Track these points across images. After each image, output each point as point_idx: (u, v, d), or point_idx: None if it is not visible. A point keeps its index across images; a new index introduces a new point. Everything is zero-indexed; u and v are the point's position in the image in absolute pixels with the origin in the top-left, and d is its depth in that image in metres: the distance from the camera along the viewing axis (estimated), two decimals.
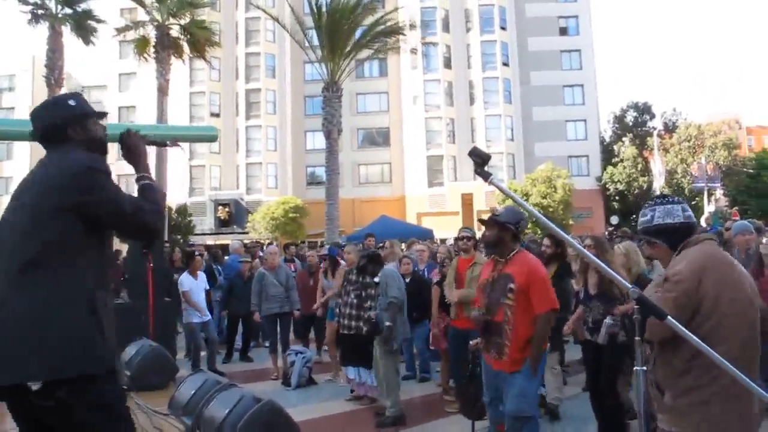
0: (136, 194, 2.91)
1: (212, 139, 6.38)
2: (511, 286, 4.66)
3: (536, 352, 4.60)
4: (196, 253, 11.88)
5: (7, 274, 2.55)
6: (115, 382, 2.69)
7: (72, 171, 2.66)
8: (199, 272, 10.42)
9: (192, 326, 9.98)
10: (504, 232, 4.77)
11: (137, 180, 2.97)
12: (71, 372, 2.46)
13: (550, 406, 7.09)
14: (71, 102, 2.92)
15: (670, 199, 3.06)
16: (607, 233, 23.23)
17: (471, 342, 6.16)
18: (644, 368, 2.17)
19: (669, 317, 2.17)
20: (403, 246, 11.95)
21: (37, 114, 2.92)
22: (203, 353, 10.59)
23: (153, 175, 3.10)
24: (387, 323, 7.27)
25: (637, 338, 2.19)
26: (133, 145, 3.06)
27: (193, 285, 10.10)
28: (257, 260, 13.42)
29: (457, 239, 7.98)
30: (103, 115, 3.10)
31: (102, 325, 2.61)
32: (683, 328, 2.21)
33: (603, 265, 2.54)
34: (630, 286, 2.23)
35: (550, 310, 4.64)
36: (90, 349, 2.54)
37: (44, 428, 2.57)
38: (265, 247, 14.09)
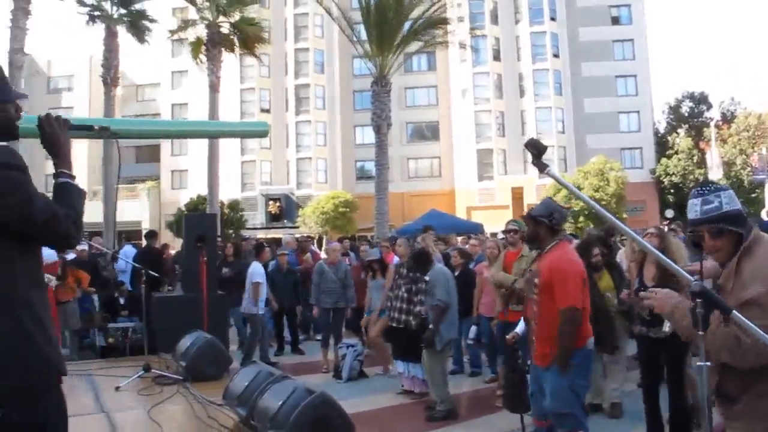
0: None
1: (263, 134, 6.39)
2: (536, 281, 4.63)
3: (560, 349, 4.49)
4: (265, 244, 12.10)
5: None
6: (60, 390, 2.45)
7: None
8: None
9: (258, 317, 10.16)
10: (538, 226, 4.68)
11: (54, 176, 2.60)
12: (14, 383, 2.25)
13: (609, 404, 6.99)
14: None
15: (696, 191, 2.83)
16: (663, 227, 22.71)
17: (508, 336, 6.13)
18: (707, 363, 2.11)
19: (734, 312, 2.10)
20: (459, 239, 11.95)
21: None
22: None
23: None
24: (430, 326, 7.25)
25: (700, 333, 2.12)
26: (51, 133, 2.63)
27: (264, 275, 10.36)
28: (308, 254, 13.56)
29: (504, 232, 7.91)
30: (21, 96, 2.70)
31: (43, 326, 2.37)
32: (756, 327, 2.13)
33: (662, 256, 2.46)
34: (692, 278, 2.16)
35: (570, 306, 4.48)
36: (35, 357, 2.32)
37: None
38: (315, 242, 14.22)
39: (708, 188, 2.82)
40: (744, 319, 2.13)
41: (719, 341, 2.49)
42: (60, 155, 2.63)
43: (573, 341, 4.50)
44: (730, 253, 2.77)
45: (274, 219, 43.12)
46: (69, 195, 2.54)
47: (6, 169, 2.32)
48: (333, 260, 10.23)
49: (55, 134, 2.63)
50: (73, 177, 2.60)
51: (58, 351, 2.45)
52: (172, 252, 15.15)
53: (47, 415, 2.36)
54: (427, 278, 7.57)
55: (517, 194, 42.23)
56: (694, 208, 2.77)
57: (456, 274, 8.82)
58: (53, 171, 2.61)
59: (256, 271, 10.28)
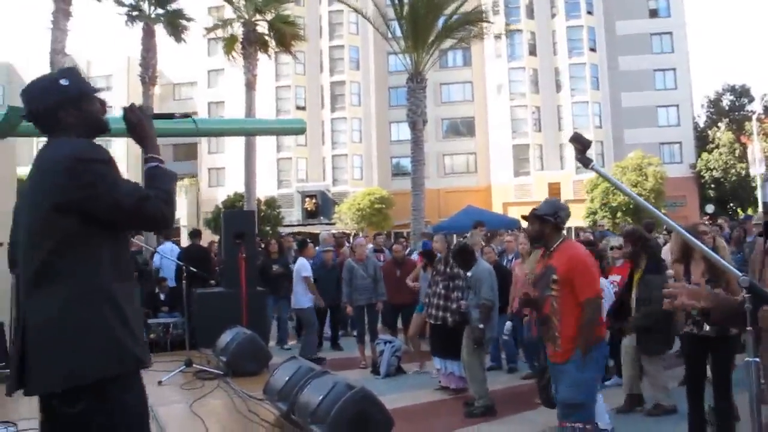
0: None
1: (300, 131, 6.49)
2: (554, 277, 4.62)
3: (583, 339, 4.50)
4: (308, 241, 12.27)
5: (25, 286, 2.45)
6: (139, 382, 2.53)
7: (60, 167, 2.40)
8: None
9: (309, 310, 10.39)
10: (544, 224, 4.71)
11: (144, 162, 2.67)
12: (92, 377, 2.33)
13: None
14: (63, 82, 2.59)
15: None
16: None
17: None
18: (756, 360, 2.08)
19: None
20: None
21: (28, 96, 2.60)
22: (292, 342, 10.87)
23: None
24: (480, 326, 7.22)
25: (748, 328, 2.09)
26: (135, 121, 2.72)
27: (310, 270, 10.54)
28: (345, 248, 13.63)
29: None
30: (99, 90, 2.78)
31: (126, 319, 2.45)
32: None
33: (709, 251, 2.43)
34: (740, 273, 2.13)
35: (594, 296, 4.54)
36: (112, 348, 2.39)
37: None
38: (351, 238, 14.28)
39: None
40: None
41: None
42: (147, 142, 2.71)
43: (594, 331, 4.55)
44: None
45: (310, 216, 43.38)
46: (159, 178, 2.60)
47: (90, 163, 2.42)
48: (361, 256, 10.26)
49: (141, 122, 2.71)
50: (162, 161, 2.67)
51: (141, 343, 2.51)
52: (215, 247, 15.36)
53: (126, 406, 2.43)
54: (469, 274, 7.55)
55: (554, 190, 41.86)
56: None
57: None
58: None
59: (304, 265, 10.44)
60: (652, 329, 6.70)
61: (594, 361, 4.56)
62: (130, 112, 2.72)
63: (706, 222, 13.47)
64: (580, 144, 2.21)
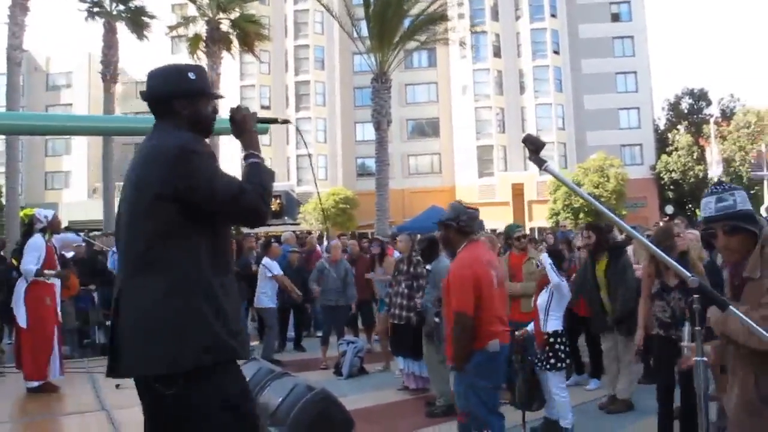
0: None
1: (264, 131, 6.41)
2: (442, 284, 4.77)
3: (452, 350, 4.53)
4: (272, 241, 12.22)
5: (125, 268, 2.55)
6: (238, 372, 2.62)
7: (169, 155, 2.51)
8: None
9: (272, 311, 10.41)
10: (448, 230, 4.74)
11: (244, 158, 2.80)
12: (187, 364, 2.41)
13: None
14: (191, 75, 2.73)
15: (711, 190, 2.88)
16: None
17: (517, 332, 6.19)
18: (704, 359, 2.12)
19: (731, 307, 2.11)
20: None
21: (153, 79, 2.74)
22: (254, 343, 10.77)
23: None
24: (436, 320, 7.23)
25: (697, 328, 2.13)
26: (241, 120, 2.84)
27: (277, 270, 10.51)
28: (318, 248, 13.64)
29: (515, 239, 7.90)
30: (219, 97, 2.96)
31: (222, 312, 2.51)
32: (748, 320, 2.14)
33: (661, 252, 2.46)
34: (689, 274, 2.17)
35: (458, 311, 4.47)
36: (207, 339, 2.45)
37: (168, 420, 2.54)
38: (325, 239, 14.26)
39: (722, 187, 2.87)
40: (739, 312, 2.15)
41: (742, 327, 2.50)
42: (248, 139, 2.82)
43: (463, 344, 4.47)
44: (742, 254, 2.78)
45: (274, 216, 42.95)
46: (257, 173, 2.69)
47: (193, 155, 2.53)
48: (335, 258, 10.26)
49: (245, 120, 2.83)
50: (261, 159, 2.76)
51: (237, 335, 2.56)
52: None
53: (220, 394, 2.49)
54: (428, 268, 7.57)
55: (518, 190, 42.22)
56: (709, 206, 2.81)
57: None
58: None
59: (271, 265, 10.38)
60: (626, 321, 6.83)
61: (476, 368, 4.48)
62: (236, 112, 2.84)
63: (660, 221, 13.71)
64: (534, 145, 2.23)
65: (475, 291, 4.46)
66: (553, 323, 6.21)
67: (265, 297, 10.41)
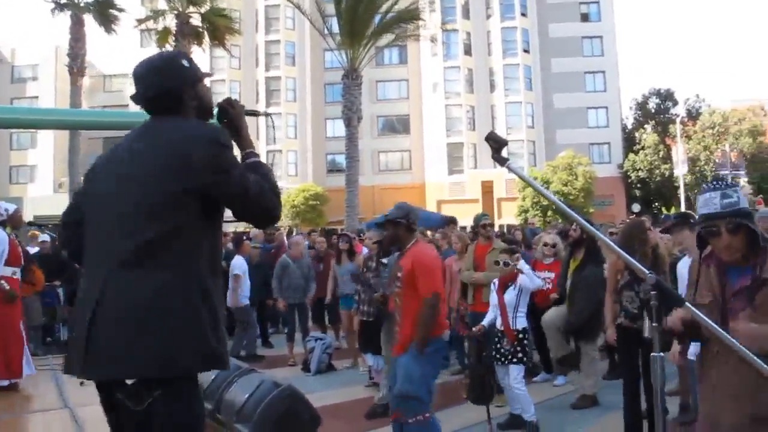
0: None
1: None
2: (399, 275, 4.97)
3: (420, 334, 4.75)
4: (245, 237, 12.09)
5: (114, 258, 2.30)
6: (198, 388, 2.46)
7: (201, 147, 2.36)
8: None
9: (246, 309, 10.31)
10: (397, 227, 5.02)
11: (244, 157, 2.61)
12: (182, 368, 2.25)
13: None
14: (185, 63, 2.60)
15: (712, 185, 2.77)
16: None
17: (474, 327, 6.31)
18: (661, 354, 2.17)
19: (687, 303, 2.16)
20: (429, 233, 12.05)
21: (147, 76, 2.56)
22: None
23: None
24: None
25: (654, 324, 2.18)
26: (237, 116, 2.67)
27: (245, 268, 10.39)
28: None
29: (481, 226, 8.04)
30: (209, 75, 2.79)
31: (216, 316, 2.36)
32: (703, 316, 2.20)
33: (617, 248, 2.49)
34: (647, 271, 2.21)
35: (433, 294, 4.78)
36: (202, 344, 2.29)
37: (132, 425, 2.33)
38: (293, 235, 14.17)
39: (724, 183, 2.79)
40: (696, 311, 2.20)
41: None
42: (243, 136, 2.66)
43: (433, 327, 4.78)
44: (742, 252, 2.71)
45: None
46: (267, 172, 2.56)
47: (225, 149, 2.42)
48: (297, 254, 10.20)
49: (240, 116, 2.67)
50: (258, 155, 2.64)
51: (224, 344, 2.42)
52: None
53: (192, 405, 2.37)
54: (385, 261, 7.63)
55: (487, 188, 42.45)
56: (713, 201, 2.68)
57: None
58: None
59: (237, 264, 10.27)
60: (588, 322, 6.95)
61: (430, 355, 4.78)
62: (228, 104, 2.68)
63: (627, 219, 13.87)
64: (496, 143, 2.26)
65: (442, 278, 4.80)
66: (521, 320, 6.31)
67: (242, 295, 10.27)
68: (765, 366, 2.28)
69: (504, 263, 6.47)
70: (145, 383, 2.22)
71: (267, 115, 3.32)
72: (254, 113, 3.10)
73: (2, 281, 6.87)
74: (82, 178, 23.52)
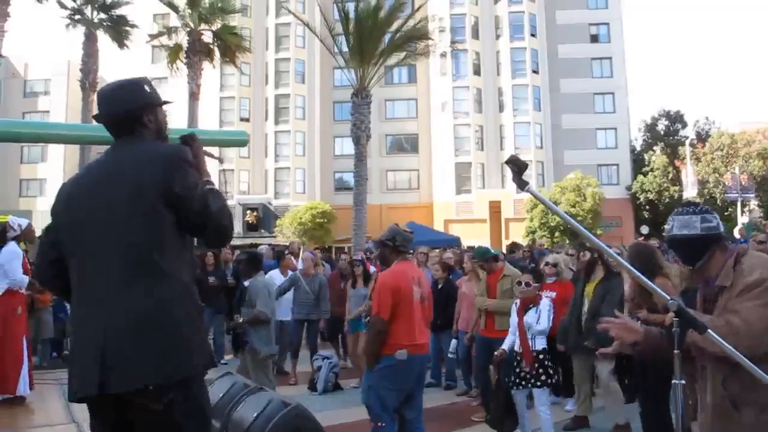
0: None
1: (242, 143, 6.44)
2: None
3: (366, 352, 5.19)
4: (286, 252, 12.05)
5: (111, 275, 2.44)
6: (204, 382, 2.65)
7: (171, 162, 2.53)
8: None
9: (284, 325, 9.98)
10: (385, 247, 5.32)
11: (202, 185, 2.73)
12: (185, 372, 2.44)
13: None
14: (147, 88, 2.75)
15: (691, 209, 2.97)
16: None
17: (496, 352, 6.23)
18: (682, 381, 2.13)
19: (710, 330, 2.13)
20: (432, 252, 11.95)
21: (112, 96, 2.71)
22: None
23: None
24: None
25: (676, 351, 2.14)
26: (197, 149, 2.79)
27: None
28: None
29: (486, 262, 8.02)
30: (167, 103, 2.88)
31: (201, 321, 2.61)
32: (724, 342, 2.17)
33: (637, 272, 2.48)
34: (668, 297, 2.18)
35: (375, 314, 5.06)
36: (199, 348, 2.53)
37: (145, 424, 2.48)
38: (301, 252, 14.11)
39: (702, 208, 3.01)
40: (716, 336, 2.17)
41: (722, 331, 2.58)
42: (201, 168, 2.75)
43: (375, 345, 5.04)
44: (717, 269, 2.94)
45: (251, 228, 42.90)
46: (220, 198, 2.64)
47: (186, 164, 2.58)
48: (308, 271, 10.15)
49: (199, 150, 2.80)
50: (213, 184, 2.72)
51: (208, 347, 2.68)
52: None
53: (201, 400, 2.57)
54: (246, 284, 7.62)
55: (495, 208, 42.41)
56: (693, 224, 2.90)
57: (439, 287, 8.96)
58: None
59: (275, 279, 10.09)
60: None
61: (381, 370, 5.00)
62: (191, 139, 2.81)
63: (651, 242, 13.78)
64: (517, 166, 2.24)
65: (394, 300, 4.97)
66: (540, 341, 6.26)
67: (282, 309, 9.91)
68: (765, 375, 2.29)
69: (525, 284, 6.45)
70: (164, 385, 2.39)
71: (218, 160, 3.40)
72: (209, 155, 3.15)
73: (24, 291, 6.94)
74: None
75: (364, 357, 5.31)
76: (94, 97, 23.27)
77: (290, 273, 10.42)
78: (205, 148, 2.89)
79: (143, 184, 2.46)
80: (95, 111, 2.78)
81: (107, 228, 2.48)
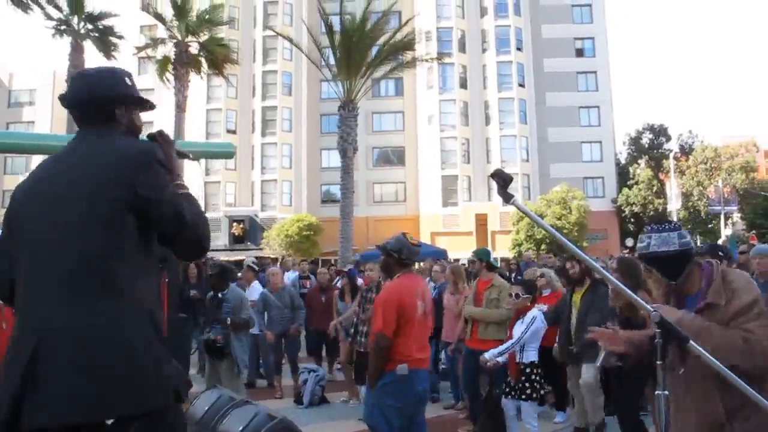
0: None
1: (229, 155, 6.48)
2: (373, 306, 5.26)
3: (369, 368, 4.98)
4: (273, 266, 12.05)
5: (59, 291, 2.10)
6: (181, 410, 2.36)
7: (138, 161, 2.22)
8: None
9: (258, 338, 10.04)
10: (389, 258, 5.16)
11: (175, 188, 2.41)
12: (148, 405, 2.11)
13: None
14: (128, 81, 2.48)
15: (667, 226, 3.06)
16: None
17: (489, 363, 6.24)
18: (665, 393, 2.15)
19: (692, 342, 2.15)
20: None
21: (91, 79, 2.42)
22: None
23: None
24: None
25: (658, 362, 2.17)
26: (167, 146, 2.45)
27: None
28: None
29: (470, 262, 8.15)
30: (147, 103, 2.59)
31: (164, 348, 2.23)
32: (707, 354, 2.19)
33: (620, 284, 2.51)
34: (651, 308, 2.21)
35: (377, 332, 4.90)
36: (160, 376, 2.17)
37: None
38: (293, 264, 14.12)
39: (675, 224, 3.11)
40: (701, 349, 2.19)
41: (727, 343, 2.69)
42: (172, 167, 2.40)
43: (378, 362, 4.87)
44: (658, 286, 3.10)
45: (237, 241, 42.75)
46: (195, 203, 2.38)
47: (156, 163, 2.27)
48: (275, 286, 10.07)
49: (170, 146, 2.48)
50: (187, 188, 2.43)
51: (180, 370, 2.31)
52: None
53: (174, 428, 2.27)
54: (220, 295, 7.73)
55: (481, 221, 42.52)
56: (672, 241, 2.99)
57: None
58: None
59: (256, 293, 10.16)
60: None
61: (384, 387, 4.84)
62: (160, 135, 2.51)
63: (622, 254, 13.85)
64: (502, 180, 2.26)
65: (398, 315, 4.83)
66: (530, 354, 6.27)
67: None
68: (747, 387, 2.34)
69: (515, 295, 6.47)
70: (121, 422, 2.10)
71: (190, 158, 2.96)
72: (183, 155, 2.81)
73: None
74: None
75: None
76: None
77: (262, 291, 10.32)
78: (178, 149, 2.58)
79: (102, 183, 2.16)
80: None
81: (58, 232, 2.15)
